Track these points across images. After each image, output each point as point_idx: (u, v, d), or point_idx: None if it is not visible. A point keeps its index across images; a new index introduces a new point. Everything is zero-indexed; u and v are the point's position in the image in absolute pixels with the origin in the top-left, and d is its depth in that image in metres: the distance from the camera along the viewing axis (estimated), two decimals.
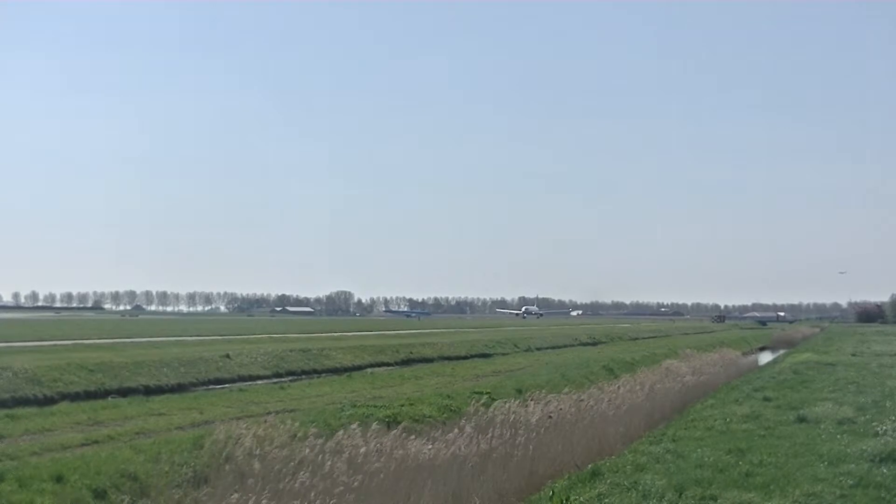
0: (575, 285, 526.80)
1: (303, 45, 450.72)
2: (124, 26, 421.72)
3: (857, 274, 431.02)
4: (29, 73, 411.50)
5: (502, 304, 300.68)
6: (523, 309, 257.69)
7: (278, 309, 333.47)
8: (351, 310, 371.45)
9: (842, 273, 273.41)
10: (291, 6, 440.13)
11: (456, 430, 20.24)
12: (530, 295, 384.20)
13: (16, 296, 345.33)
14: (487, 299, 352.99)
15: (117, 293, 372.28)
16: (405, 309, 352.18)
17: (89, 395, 32.04)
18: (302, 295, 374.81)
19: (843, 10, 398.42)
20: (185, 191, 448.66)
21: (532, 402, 25.06)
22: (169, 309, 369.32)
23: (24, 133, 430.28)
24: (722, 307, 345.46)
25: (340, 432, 18.57)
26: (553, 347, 73.59)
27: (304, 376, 43.94)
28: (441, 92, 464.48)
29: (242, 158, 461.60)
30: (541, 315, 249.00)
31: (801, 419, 22.15)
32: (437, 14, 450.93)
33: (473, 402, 25.11)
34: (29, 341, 52.15)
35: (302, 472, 15.55)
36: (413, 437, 19.37)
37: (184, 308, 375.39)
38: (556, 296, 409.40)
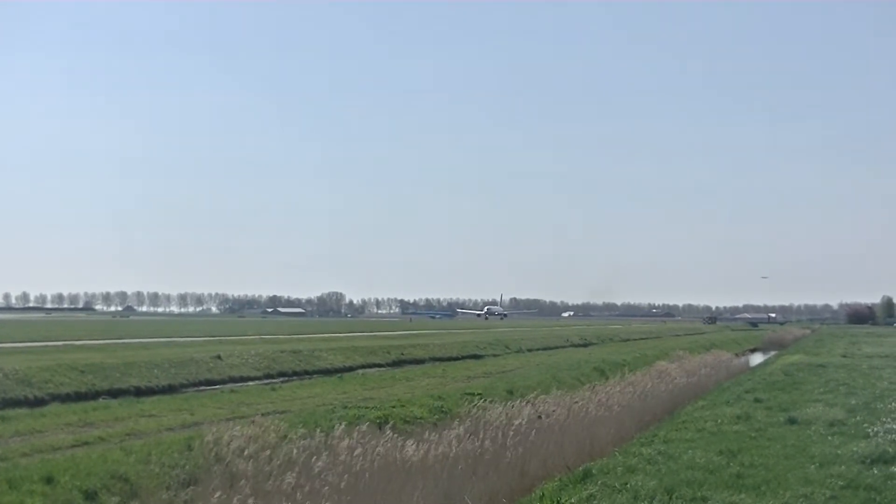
0: (569, 286, 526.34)
1: (297, 45, 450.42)
2: (122, 27, 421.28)
3: (848, 276, 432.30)
4: (28, 73, 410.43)
5: (494, 305, 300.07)
6: (485, 309, 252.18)
7: (270, 310, 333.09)
8: (342, 311, 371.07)
9: (764, 278, 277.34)
10: (290, 7, 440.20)
11: (447, 432, 20.25)
12: (521, 296, 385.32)
13: (6, 296, 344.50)
14: (479, 300, 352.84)
15: (108, 294, 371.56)
16: (398, 310, 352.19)
17: (80, 397, 31.92)
18: (293, 296, 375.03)
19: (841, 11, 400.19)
20: (178, 192, 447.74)
21: (523, 404, 25.07)
22: (160, 310, 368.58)
23: (18, 133, 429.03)
24: (713, 308, 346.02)
25: (331, 433, 18.56)
26: (544, 349, 73.56)
27: (295, 377, 43.87)
28: (435, 93, 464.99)
29: (235, 159, 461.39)
30: (504, 316, 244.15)
31: (792, 421, 22.22)
32: (435, 15, 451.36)
33: (465, 403, 25.11)
34: (19, 342, 52.00)
35: (292, 473, 15.53)
36: (404, 438, 19.35)
37: (175, 309, 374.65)
38: (548, 297, 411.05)
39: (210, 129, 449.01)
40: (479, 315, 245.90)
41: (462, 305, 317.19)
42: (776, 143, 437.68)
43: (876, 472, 15.25)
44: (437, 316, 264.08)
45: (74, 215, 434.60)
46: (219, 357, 44.57)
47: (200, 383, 39.19)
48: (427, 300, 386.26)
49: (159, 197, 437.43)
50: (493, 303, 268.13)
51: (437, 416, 23.67)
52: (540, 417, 23.50)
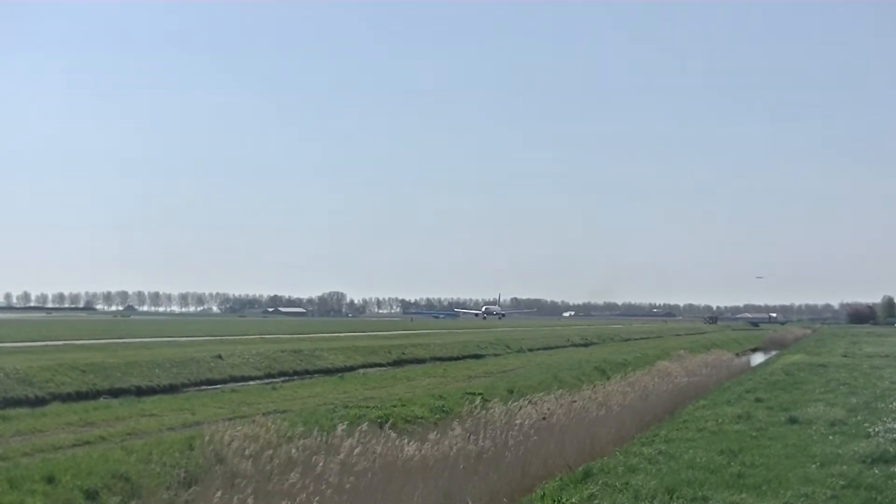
0: (570, 286, 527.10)
1: (297, 45, 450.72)
2: (121, 27, 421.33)
3: (849, 275, 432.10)
4: (25, 73, 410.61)
5: (493, 305, 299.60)
6: (483, 309, 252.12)
7: (270, 310, 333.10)
8: (343, 311, 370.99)
9: (759, 278, 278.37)
10: (290, 7, 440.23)
11: (448, 431, 20.24)
12: (522, 296, 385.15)
13: (7, 296, 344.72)
14: (480, 300, 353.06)
15: (109, 294, 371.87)
16: (399, 309, 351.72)
17: (81, 396, 31.93)
18: (294, 296, 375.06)
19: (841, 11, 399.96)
20: (178, 191, 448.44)
21: (524, 403, 25.07)
22: (161, 309, 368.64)
23: (17, 134, 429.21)
24: (714, 308, 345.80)
25: (332, 433, 18.56)
26: (545, 348, 73.59)
27: (296, 377, 43.89)
28: (435, 93, 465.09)
29: (236, 159, 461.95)
30: (502, 315, 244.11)
31: (793, 420, 22.22)
32: (435, 15, 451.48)
33: (465, 402, 25.11)
34: (20, 342, 52.00)
35: (293, 473, 15.53)
36: (405, 437, 19.35)
37: (176, 309, 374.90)
38: (549, 297, 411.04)
39: (210, 129, 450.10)
40: (476, 315, 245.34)
41: (463, 305, 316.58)
42: (776, 143, 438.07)
43: (877, 471, 15.25)
44: (441, 316, 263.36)
45: (75, 215, 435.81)
46: (220, 357, 44.59)
47: (201, 383, 39.22)
48: (428, 300, 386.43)
49: (160, 197, 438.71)
50: (492, 303, 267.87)
51: (438, 416, 23.69)
52: (544, 419, 23.46)
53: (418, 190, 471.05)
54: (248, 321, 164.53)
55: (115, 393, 33.28)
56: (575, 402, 27.09)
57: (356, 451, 17.55)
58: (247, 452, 16.74)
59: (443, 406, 25.15)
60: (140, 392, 34.46)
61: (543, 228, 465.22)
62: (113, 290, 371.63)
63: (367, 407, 23.61)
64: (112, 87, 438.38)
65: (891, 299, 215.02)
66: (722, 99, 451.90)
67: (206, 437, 17.43)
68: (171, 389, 36.31)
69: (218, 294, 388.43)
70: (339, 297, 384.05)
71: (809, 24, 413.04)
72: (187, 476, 15.68)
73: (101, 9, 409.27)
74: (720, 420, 23.08)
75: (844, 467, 15.69)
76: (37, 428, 21.71)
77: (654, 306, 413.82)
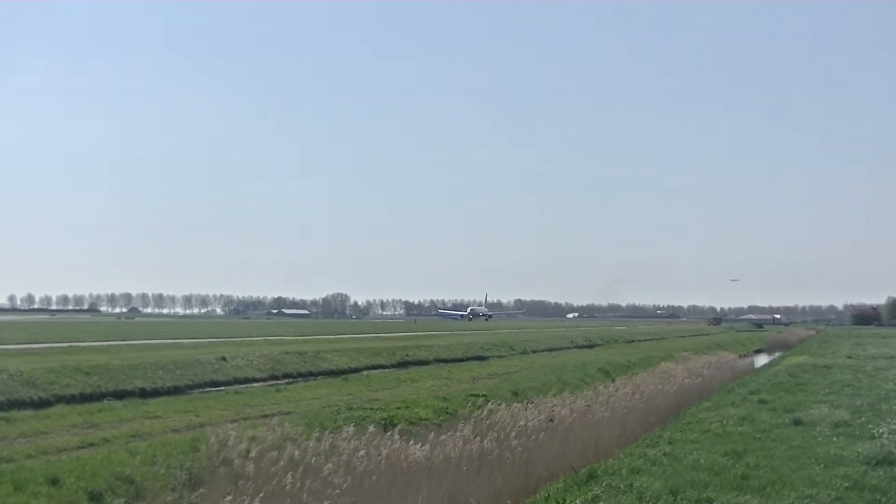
0: (573, 287, 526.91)
1: (297, 47, 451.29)
2: (121, 28, 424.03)
3: (853, 277, 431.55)
4: (26, 75, 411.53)
5: (497, 306, 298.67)
6: (469, 310, 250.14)
7: (274, 311, 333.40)
8: (347, 312, 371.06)
9: (734, 280, 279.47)
10: (287, 8, 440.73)
11: (452, 433, 20.24)
12: (525, 297, 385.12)
13: (12, 298, 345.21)
14: (483, 301, 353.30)
15: (113, 295, 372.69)
16: (403, 311, 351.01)
17: (85, 398, 31.89)
18: (298, 297, 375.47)
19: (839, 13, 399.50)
20: (181, 193, 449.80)
21: (528, 405, 25.06)
22: (165, 311, 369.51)
23: (19, 135, 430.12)
24: (718, 310, 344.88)
25: (336, 435, 18.57)
26: (549, 350, 73.57)
27: (300, 379, 43.88)
28: (439, 94, 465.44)
29: (239, 160, 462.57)
30: (489, 316, 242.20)
31: (797, 422, 22.16)
32: (437, 16, 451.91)
33: (469, 404, 25.09)
34: (24, 344, 52.08)
35: (297, 475, 15.54)
36: (409, 439, 19.36)
37: (180, 310, 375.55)
38: (553, 298, 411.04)
39: (214, 130, 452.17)
40: (462, 316, 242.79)
41: (466, 307, 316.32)
42: (780, 144, 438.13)
43: (881, 473, 15.21)
44: (459, 317, 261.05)
45: (79, 217, 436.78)
46: (224, 358, 44.56)
47: (205, 385, 39.16)
48: (431, 301, 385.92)
49: (164, 198, 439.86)
50: (479, 303, 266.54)
51: (442, 418, 23.68)
52: (551, 420, 23.46)
53: (422, 191, 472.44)
54: (252, 323, 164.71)
55: (119, 395, 33.26)
56: (579, 403, 27.09)
57: (360, 452, 17.57)
58: (251, 454, 16.75)
59: (447, 408, 25.13)
60: (144, 394, 34.43)
61: (547, 230, 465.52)
62: (117, 291, 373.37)
63: (372, 409, 23.60)
64: (115, 89, 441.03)
65: (895, 300, 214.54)
66: (725, 99, 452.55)
67: (211, 439, 17.45)
68: (175, 391, 36.26)
69: (222, 296, 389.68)
70: (343, 298, 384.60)
71: (810, 24, 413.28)
72: (191, 478, 15.70)
73: (99, 10, 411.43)
74: (724, 422, 23.02)
75: (849, 469, 15.65)
76: (41, 430, 21.74)
77: (658, 308, 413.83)
